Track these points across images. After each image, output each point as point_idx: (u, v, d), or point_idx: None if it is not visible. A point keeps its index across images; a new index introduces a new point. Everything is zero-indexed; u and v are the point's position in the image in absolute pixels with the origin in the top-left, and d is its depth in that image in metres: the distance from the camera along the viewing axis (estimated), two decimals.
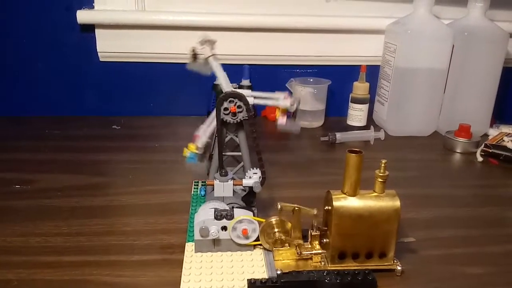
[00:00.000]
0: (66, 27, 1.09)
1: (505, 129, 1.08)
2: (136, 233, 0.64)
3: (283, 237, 0.56)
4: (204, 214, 0.58)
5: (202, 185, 0.77)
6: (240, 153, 0.66)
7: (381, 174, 0.54)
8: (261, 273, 0.54)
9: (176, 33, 1.12)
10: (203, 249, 0.59)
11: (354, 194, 0.54)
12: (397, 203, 0.54)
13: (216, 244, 0.58)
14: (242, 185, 0.62)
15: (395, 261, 0.56)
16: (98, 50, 1.11)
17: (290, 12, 1.15)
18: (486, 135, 1.07)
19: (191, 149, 0.67)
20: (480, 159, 0.95)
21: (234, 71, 1.12)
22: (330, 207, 0.54)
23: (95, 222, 0.67)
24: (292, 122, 0.67)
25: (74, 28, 1.09)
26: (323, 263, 0.56)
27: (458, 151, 1.00)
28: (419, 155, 0.99)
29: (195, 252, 0.58)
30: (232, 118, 0.62)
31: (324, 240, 0.56)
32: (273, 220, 0.57)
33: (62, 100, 1.15)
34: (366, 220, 0.54)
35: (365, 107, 1.10)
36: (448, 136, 1.02)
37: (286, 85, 1.15)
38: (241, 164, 0.66)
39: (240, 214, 0.58)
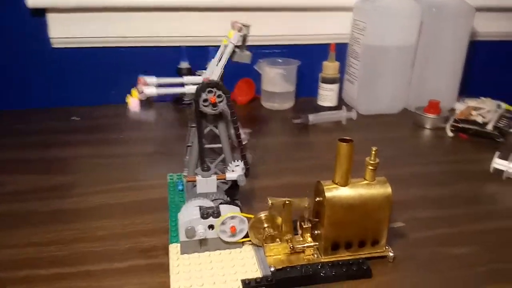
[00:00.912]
0: (15, 12, 0.99)
1: (471, 102, 1.09)
2: (113, 237, 0.60)
3: (274, 232, 0.54)
4: (189, 214, 0.55)
5: (178, 179, 0.73)
6: (219, 145, 0.62)
7: (372, 162, 0.52)
8: (254, 272, 0.52)
9: (134, 15, 1.05)
10: (189, 250, 0.55)
11: (345, 183, 0.52)
12: (388, 190, 0.53)
13: (202, 244, 0.55)
14: (225, 179, 0.59)
15: (386, 247, 0.55)
16: (50, 36, 1.02)
17: None
18: (453, 110, 1.08)
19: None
20: (450, 134, 0.96)
21: (199, 54, 1.08)
22: (321, 198, 0.52)
23: (66, 228, 0.61)
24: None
25: (24, 13, 0.99)
26: (316, 255, 0.54)
27: (428, 127, 1.01)
28: (390, 134, 0.99)
29: (181, 254, 0.55)
30: (212, 110, 0.58)
31: (316, 232, 0.55)
32: (263, 215, 0.54)
33: (13, 92, 1.06)
34: (359, 209, 0.52)
35: (335, 87, 1.08)
36: (418, 112, 1.03)
37: (254, 66, 1.12)
38: (221, 156, 0.63)
39: (227, 210, 0.55)
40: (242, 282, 0.50)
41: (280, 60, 1.12)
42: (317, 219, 0.54)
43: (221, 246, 0.56)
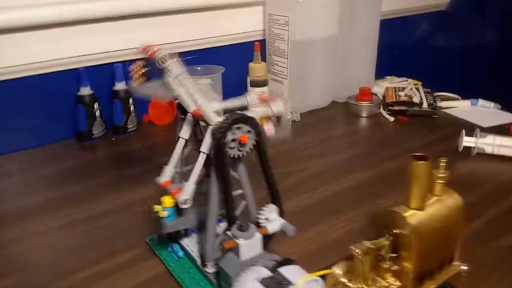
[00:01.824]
0: None
1: (386, 84, 1.13)
2: None
3: (355, 286, 0.44)
4: None
5: (175, 241, 0.56)
6: (240, 191, 0.49)
7: (441, 175, 0.46)
8: None
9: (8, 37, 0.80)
10: None
11: (423, 207, 0.45)
12: (459, 199, 0.48)
13: None
14: (268, 233, 0.46)
15: (457, 263, 0.50)
16: None
17: None
18: (374, 94, 1.10)
19: (168, 204, 0.47)
20: (391, 119, 0.97)
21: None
22: (403, 230, 0.45)
23: None
24: (280, 128, 0.51)
25: None
26: None
27: (364, 115, 1.01)
28: (336, 129, 0.97)
29: None
30: (239, 151, 0.45)
31: (394, 268, 0.47)
32: (339, 270, 0.44)
33: None
34: (441, 231, 0.46)
35: (266, 89, 1.00)
36: (351, 102, 1.02)
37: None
38: (243, 203, 0.50)
39: (296, 275, 0.43)
40: None
41: (198, 68, 0.98)
42: (396, 254, 0.46)
43: None
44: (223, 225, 0.50)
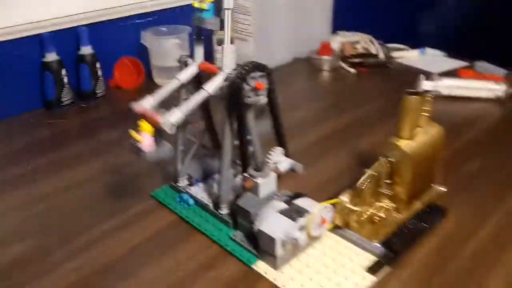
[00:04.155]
0: None
1: (338, 38, 1.18)
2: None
3: (360, 210, 0.50)
4: (277, 223, 0.46)
5: (182, 191, 0.59)
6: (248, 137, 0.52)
7: (428, 109, 0.53)
8: (358, 255, 0.48)
9: None
10: (284, 262, 0.47)
11: (413, 137, 0.52)
12: (441, 129, 0.55)
13: (293, 249, 0.48)
14: (280, 172, 0.51)
15: (436, 186, 0.58)
16: None
17: None
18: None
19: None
20: (353, 70, 1.04)
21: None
22: (396, 158, 0.51)
23: None
24: (161, 145, 0.49)
25: None
26: (395, 215, 0.53)
27: (326, 68, 1.06)
28: (304, 83, 1.02)
29: (276, 269, 0.47)
30: (256, 96, 0.48)
31: (390, 193, 0.53)
32: (346, 198, 0.49)
33: None
34: (428, 156, 0.53)
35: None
36: (314, 57, 1.07)
37: (142, 41, 0.95)
38: (250, 149, 0.53)
39: (310, 205, 0.48)
40: (369, 270, 0.46)
41: (164, 29, 0.98)
42: (391, 180, 0.53)
43: (309, 243, 0.49)
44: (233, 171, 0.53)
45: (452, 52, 1.12)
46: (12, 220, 0.58)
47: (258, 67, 0.47)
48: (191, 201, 0.57)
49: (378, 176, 0.51)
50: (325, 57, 1.06)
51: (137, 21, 0.98)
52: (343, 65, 1.06)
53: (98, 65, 0.91)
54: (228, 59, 0.49)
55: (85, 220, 0.56)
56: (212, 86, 0.49)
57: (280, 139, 0.53)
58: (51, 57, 0.86)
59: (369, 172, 0.50)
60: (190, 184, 0.60)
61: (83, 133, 0.81)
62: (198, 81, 0.54)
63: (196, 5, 0.49)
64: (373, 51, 1.06)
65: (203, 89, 0.49)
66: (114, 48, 0.96)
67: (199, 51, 0.54)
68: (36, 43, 0.85)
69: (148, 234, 0.54)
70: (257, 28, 1.02)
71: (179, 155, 0.58)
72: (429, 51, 1.12)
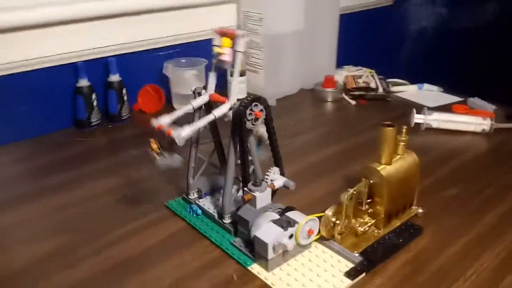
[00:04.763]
0: None
1: (344, 72, 1.28)
2: (180, 281, 0.55)
3: (342, 223, 0.58)
4: (269, 230, 0.54)
5: (192, 203, 0.68)
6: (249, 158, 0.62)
7: (403, 139, 0.61)
8: (339, 263, 0.56)
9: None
10: (275, 265, 0.55)
11: (391, 163, 0.60)
12: (416, 158, 0.63)
13: (284, 255, 0.56)
14: (275, 188, 0.60)
15: (416, 207, 0.66)
16: None
17: None
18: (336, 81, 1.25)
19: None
20: (353, 102, 1.13)
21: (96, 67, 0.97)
22: (377, 180, 0.59)
23: None
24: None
25: None
26: (375, 231, 0.61)
27: (329, 100, 1.16)
28: (306, 113, 1.11)
29: (268, 271, 0.55)
30: (253, 125, 0.57)
31: (370, 210, 0.61)
32: (330, 212, 0.58)
33: None
34: (404, 181, 0.61)
35: (244, 79, 1.12)
36: (318, 89, 1.16)
37: (164, 71, 1.07)
38: (251, 167, 0.63)
39: (299, 217, 0.56)
40: (346, 274, 0.54)
41: (183, 60, 1.09)
42: (370, 200, 0.61)
43: (295, 252, 0.57)
44: (234, 186, 0.63)
45: (450, 88, 1.21)
46: (46, 222, 0.67)
47: (258, 99, 0.56)
48: (199, 211, 0.66)
49: (359, 195, 0.59)
50: (329, 89, 1.15)
51: (160, 53, 1.10)
52: (345, 97, 1.15)
53: (124, 91, 1.02)
54: (234, 91, 0.59)
55: (108, 224, 0.66)
56: (219, 112, 0.58)
57: (276, 160, 0.62)
58: (83, 82, 0.97)
59: (351, 190, 0.58)
60: (200, 197, 0.69)
61: (108, 151, 0.91)
62: (208, 108, 0.64)
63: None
64: (373, 85, 1.15)
65: (212, 113, 0.58)
66: (139, 76, 1.07)
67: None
68: (71, 70, 0.97)
69: (161, 237, 0.63)
70: (267, 61, 1.12)
71: (191, 171, 0.68)
72: (427, 86, 1.21)
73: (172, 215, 0.67)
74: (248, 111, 0.56)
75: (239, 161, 0.60)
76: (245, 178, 0.59)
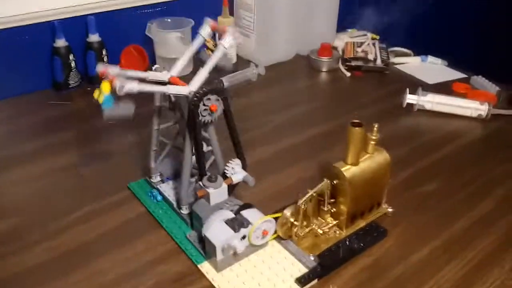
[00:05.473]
0: None
1: (345, 38, 1.20)
2: (126, 276, 0.53)
3: (301, 224, 0.55)
4: (220, 232, 0.52)
5: (154, 187, 0.66)
6: (210, 148, 0.58)
7: (374, 137, 0.57)
8: (293, 265, 0.54)
9: None
10: (226, 265, 0.53)
11: (357, 163, 0.56)
12: (387, 157, 0.59)
13: (235, 255, 0.54)
14: (232, 183, 0.56)
15: (385, 205, 0.63)
16: None
17: None
18: (335, 48, 1.18)
19: (105, 89, 0.52)
20: (348, 74, 1.06)
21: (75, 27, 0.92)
22: (340, 181, 0.56)
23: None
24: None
25: None
26: (337, 231, 0.58)
27: (324, 70, 1.09)
28: (297, 83, 1.06)
29: (218, 271, 0.53)
30: (210, 116, 0.53)
31: (333, 210, 0.58)
32: (288, 212, 0.55)
33: None
34: (370, 181, 0.57)
35: (234, 42, 1.05)
36: (313, 57, 1.10)
37: (146, 32, 1.01)
38: (212, 158, 0.59)
39: (252, 216, 0.54)
40: (296, 281, 0.52)
41: (169, 20, 1.03)
42: (333, 200, 0.57)
43: (249, 251, 0.55)
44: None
45: (456, 61, 1.12)
46: (4, 198, 0.66)
47: (215, 90, 0.52)
48: (159, 198, 0.64)
49: (321, 195, 0.56)
50: (324, 58, 1.08)
51: (144, 11, 1.03)
52: (341, 67, 1.08)
53: (104, 52, 0.97)
54: (198, 80, 0.54)
55: (65, 205, 0.64)
56: (173, 90, 0.54)
57: (238, 153, 0.58)
58: (61, 43, 0.93)
59: (310, 192, 0.55)
60: (162, 181, 0.66)
61: (80, 117, 0.87)
62: None
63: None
64: (372, 56, 1.08)
65: (165, 86, 0.54)
66: (121, 36, 1.02)
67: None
68: (48, 29, 0.92)
69: (118, 223, 0.61)
70: (260, 24, 1.05)
71: (152, 155, 0.65)
72: (431, 59, 1.13)
73: (132, 199, 0.65)
74: (201, 105, 0.51)
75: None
76: (201, 171, 0.56)
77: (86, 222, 0.61)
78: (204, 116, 0.53)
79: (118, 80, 0.50)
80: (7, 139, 0.80)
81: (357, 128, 0.54)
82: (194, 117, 0.52)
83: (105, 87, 0.52)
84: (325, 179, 0.56)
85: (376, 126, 0.56)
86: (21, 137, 0.80)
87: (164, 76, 0.58)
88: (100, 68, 0.53)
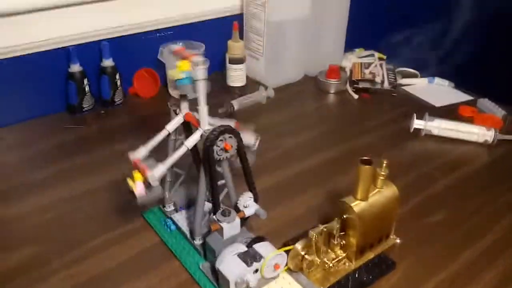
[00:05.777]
0: None
1: (353, 58, 1.22)
2: None
3: (312, 258, 0.57)
4: (233, 266, 0.53)
5: (168, 216, 0.68)
6: (222, 181, 0.60)
7: (383, 173, 0.58)
8: None
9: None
10: None
11: (367, 198, 0.58)
12: (395, 191, 0.60)
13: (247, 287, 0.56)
14: (244, 217, 0.58)
15: (393, 236, 0.64)
16: None
17: None
18: (342, 68, 1.19)
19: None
20: (355, 96, 1.08)
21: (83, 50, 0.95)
22: (350, 215, 0.57)
23: None
24: (151, 188, 0.57)
25: None
26: (347, 263, 0.60)
27: (332, 91, 1.11)
28: (306, 106, 1.07)
29: None
30: (224, 154, 0.55)
31: (343, 243, 0.60)
32: (300, 246, 0.56)
33: None
34: (379, 215, 0.59)
35: (243, 66, 1.08)
36: (321, 79, 1.11)
37: (159, 57, 1.03)
38: (225, 191, 0.61)
39: (264, 250, 0.55)
40: None
41: (180, 44, 1.05)
42: (343, 232, 0.59)
43: (261, 284, 0.57)
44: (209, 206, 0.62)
45: (463, 82, 1.14)
46: (19, 228, 0.68)
47: (227, 130, 0.54)
48: (173, 227, 0.66)
49: (331, 229, 0.58)
50: (332, 81, 1.10)
51: (156, 35, 1.06)
52: (348, 89, 1.10)
53: (117, 76, 1.00)
54: (204, 118, 0.56)
55: (83, 233, 0.66)
56: (190, 142, 0.56)
57: (250, 186, 0.60)
58: (75, 68, 0.95)
59: (321, 227, 0.56)
60: (176, 210, 0.68)
61: (95, 142, 0.89)
62: (185, 127, 0.62)
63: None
64: (379, 78, 1.10)
65: (184, 144, 0.57)
66: (134, 60, 1.04)
67: (185, 105, 0.61)
68: (63, 55, 0.94)
69: (133, 253, 0.63)
70: (269, 47, 1.07)
71: (167, 185, 0.67)
72: (438, 81, 1.14)
73: (147, 228, 0.67)
74: (215, 147, 0.53)
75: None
76: (214, 205, 0.58)
77: (103, 251, 0.63)
78: (220, 155, 0.54)
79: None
80: (20, 164, 0.83)
81: (366, 166, 0.55)
82: (209, 155, 0.54)
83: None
84: (336, 219, 0.57)
85: (385, 162, 0.58)
86: (35, 163, 0.82)
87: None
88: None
